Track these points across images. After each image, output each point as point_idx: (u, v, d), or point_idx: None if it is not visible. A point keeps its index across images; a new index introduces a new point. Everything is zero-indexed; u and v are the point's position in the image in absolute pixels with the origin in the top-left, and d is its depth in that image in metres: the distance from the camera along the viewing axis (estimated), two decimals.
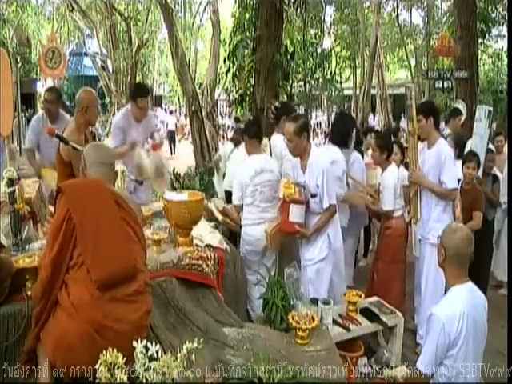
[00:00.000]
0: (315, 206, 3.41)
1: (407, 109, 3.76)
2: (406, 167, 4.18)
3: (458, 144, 4.90)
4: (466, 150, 4.78)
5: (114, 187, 2.30)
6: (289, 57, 8.01)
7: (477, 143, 4.82)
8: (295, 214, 3.30)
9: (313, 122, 20.47)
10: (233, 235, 3.98)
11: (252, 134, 3.77)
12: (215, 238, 3.21)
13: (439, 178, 3.60)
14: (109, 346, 1.76)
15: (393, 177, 3.98)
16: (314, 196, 3.38)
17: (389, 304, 3.47)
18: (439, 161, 3.58)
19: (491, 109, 5.09)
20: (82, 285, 1.92)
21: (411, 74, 18.24)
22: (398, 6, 17.81)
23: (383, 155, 4.03)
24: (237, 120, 9.86)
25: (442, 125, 6.57)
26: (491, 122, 4.99)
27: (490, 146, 5.11)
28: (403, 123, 13.97)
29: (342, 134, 4.03)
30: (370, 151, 4.49)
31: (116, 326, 1.90)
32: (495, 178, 4.63)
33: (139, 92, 4.12)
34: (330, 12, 18.18)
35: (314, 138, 17.13)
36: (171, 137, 16.45)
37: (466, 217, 3.97)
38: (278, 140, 4.11)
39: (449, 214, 3.72)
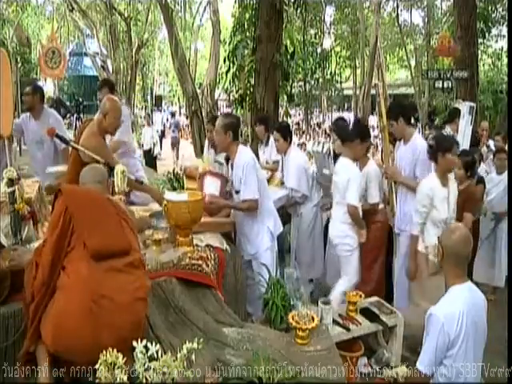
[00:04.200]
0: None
1: (377, 105, 3.82)
2: None
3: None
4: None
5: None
6: (289, 57, 8.01)
7: (459, 141, 4.81)
8: (209, 185, 3.45)
9: (313, 122, 20.49)
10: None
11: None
12: (215, 238, 3.22)
13: (414, 173, 3.67)
14: (109, 318, 1.81)
15: (375, 170, 4.04)
16: (238, 192, 3.45)
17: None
18: (414, 155, 3.65)
19: (474, 105, 5.08)
20: (79, 261, 1.98)
21: (411, 74, 18.19)
22: (398, 6, 17.77)
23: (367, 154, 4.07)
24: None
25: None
26: (473, 118, 4.97)
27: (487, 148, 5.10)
28: None
29: None
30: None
31: (115, 296, 1.93)
32: (480, 180, 4.51)
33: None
34: (330, 12, 18.20)
35: (314, 138, 17.14)
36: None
37: (459, 217, 3.94)
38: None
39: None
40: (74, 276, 1.95)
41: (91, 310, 1.86)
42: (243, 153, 3.43)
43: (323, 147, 4.57)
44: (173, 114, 17.97)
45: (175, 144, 14.01)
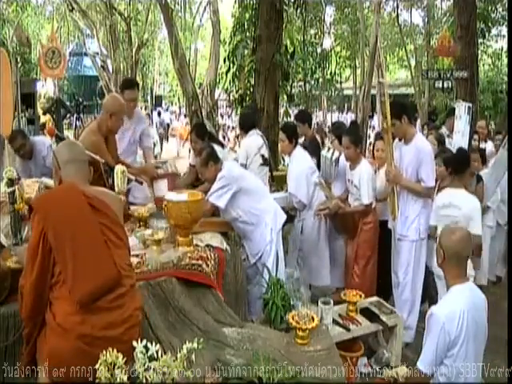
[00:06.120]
0: None
1: (381, 105, 3.75)
2: None
3: (439, 141, 4.78)
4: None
5: (88, 185, 2.19)
6: (289, 57, 8.00)
7: (458, 141, 4.79)
8: (157, 190, 3.82)
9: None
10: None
11: None
12: (215, 238, 3.22)
13: (417, 175, 3.58)
14: (102, 352, 1.74)
15: (367, 171, 3.97)
16: None
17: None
18: (418, 157, 3.56)
19: (471, 105, 5.08)
20: (66, 303, 1.88)
21: (411, 74, 18.15)
22: (398, 6, 17.73)
23: (357, 150, 4.02)
24: None
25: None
26: (471, 118, 4.95)
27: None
28: None
29: None
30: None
31: (107, 334, 1.88)
32: (479, 178, 4.42)
33: (126, 84, 4.18)
34: (330, 12, 18.15)
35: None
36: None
37: None
38: None
39: (429, 209, 3.65)
40: (62, 320, 1.87)
41: (84, 351, 1.83)
42: (224, 168, 3.48)
43: (333, 154, 4.46)
44: (159, 113, 19.65)
45: (160, 139, 16.08)
